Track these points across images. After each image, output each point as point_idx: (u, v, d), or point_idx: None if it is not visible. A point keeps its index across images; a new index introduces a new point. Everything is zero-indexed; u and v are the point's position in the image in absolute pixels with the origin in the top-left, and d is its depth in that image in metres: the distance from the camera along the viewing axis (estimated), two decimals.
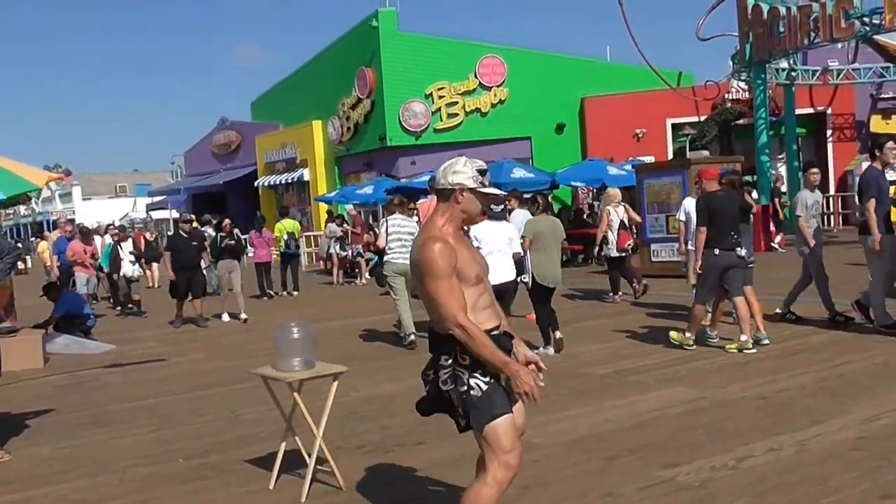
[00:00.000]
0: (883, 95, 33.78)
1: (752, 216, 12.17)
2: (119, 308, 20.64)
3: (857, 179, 11.98)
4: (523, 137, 34.25)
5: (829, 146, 34.02)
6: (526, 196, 14.87)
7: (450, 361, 4.37)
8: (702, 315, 11.07)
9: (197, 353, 13.65)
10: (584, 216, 27.29)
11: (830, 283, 12.27)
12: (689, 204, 13.54)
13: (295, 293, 21.99)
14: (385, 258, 13.07)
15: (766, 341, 10.86)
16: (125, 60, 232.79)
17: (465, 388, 4.34)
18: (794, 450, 6.53)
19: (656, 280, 17.98)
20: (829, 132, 34.10)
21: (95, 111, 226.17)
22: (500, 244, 10.56)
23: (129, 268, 20.34)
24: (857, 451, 6.37)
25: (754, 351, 10.45)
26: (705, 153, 22.59)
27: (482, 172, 4.45)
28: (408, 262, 14.27)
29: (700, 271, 10.78)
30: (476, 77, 34.27)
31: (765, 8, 25.62)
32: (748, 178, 24.45)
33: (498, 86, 34.37)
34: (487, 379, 4.34)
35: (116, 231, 22.86)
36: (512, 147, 32.90)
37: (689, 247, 13.39)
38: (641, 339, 11.94)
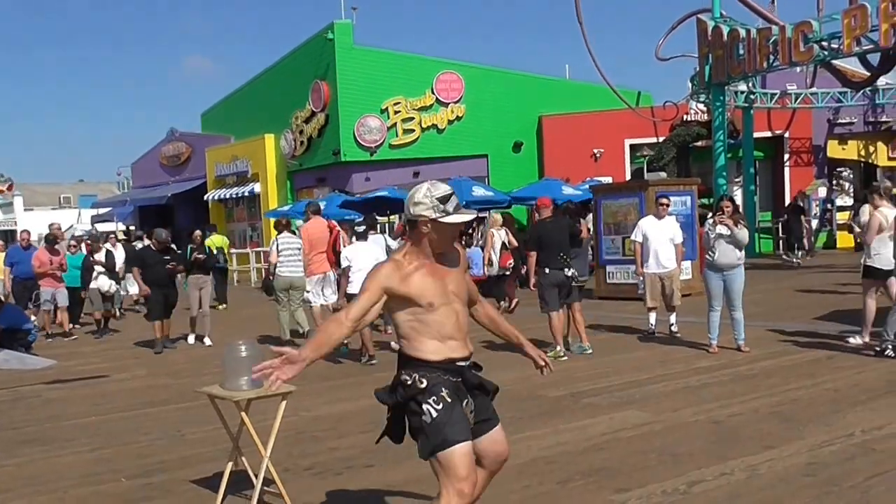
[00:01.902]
0: (840, 121, 34.33)
1: (581, 240, 13.36)
2: (91, 325, 19.11)
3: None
4: (480, 155, 34.32)
5: (787, 170, 34.47)
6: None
7: (409, 382, 4.45)
8: (559, 326, 12.56)
9: (140, 369, 13.56)
10: None
11: (780, 309, 12.47)
12: (646, 224, 13.83)
13: (223, 306, 22.51)
14: (276, 271, 15.15)
15: (590, 351, 12.71)
16: (70, 67, 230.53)
17: (420, 413, 4.41)
18: (746, 475, 6.63)
19: (612, 302, 18.14)
20: (786, 156, 34.57)
21: (38, 119, 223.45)
22: (367, 263, 11.49)
23: (104, 281, 18.47)
24: (808, 477, 6.49)
25: (565, 358, 12.27)
26: (663, 175, 22.85)
27: (444, 200, 4.43)
28: (294, 275, 14.97)
29: (534, 289, 12.68)
30: (433, 93, 34.32)
31: (725, 30, 26.05)
32: (704, 200, 24.73)
33: (455, 102, 34.45)
34: (440, 406, 4.39)
35: (88, 241, 21.11)
36: (468, 165, 32.99)
37: (646, 269, 13.68)
38: (596, 362, 12.04)
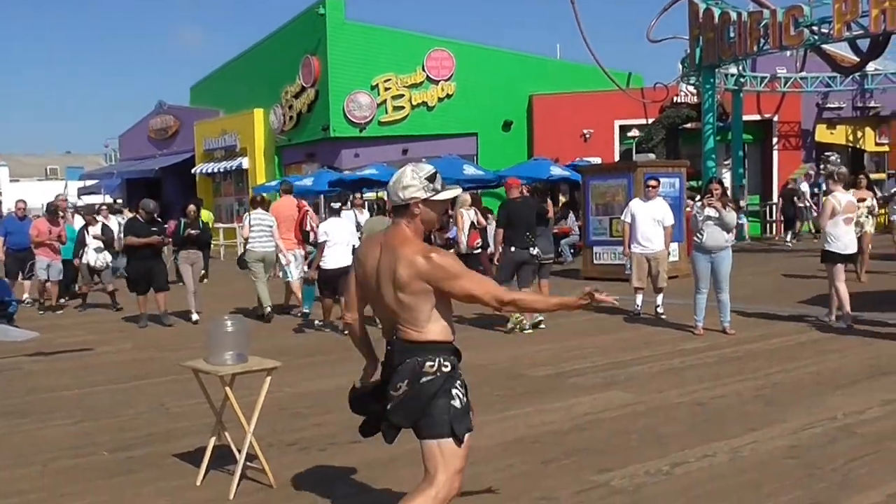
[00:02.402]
0: (829, 105, 34.40)
1: (548, 220, 13.87)
2: (69, 298, 18.91)
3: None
4: (469, 133, 34.28)
5: (775, 154, 34.54)
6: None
7: (434, 368, 4.39)
8: None
9: (124, 342, 13.50)
10: None
11: (765, 292, 12.52)
12: (635, 206, 13.85)
13: (204, 280, 21.88)
14: (247, 245, 15.54)
15: (543, 327, 13.26)
16: (57, 36, 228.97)
17: (448, 397, 4.39)
18: (729, 457, 6.65)
19: (598, 283, 18.13)
20: (775, 140, 34.62)
21: (25, 90, 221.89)
22: (343, 237, 13.14)
23: (92, 256, 17.66)
24: (790, 460, 6.52)
25: (529, 330, 12.96)
26: (652, 156, 22.84)
27: (431, 178, 4.44)
28: (265, 249, 15.17)
29: (498, 263, 12.99)
30: (423, 70, 34.23)
31: (716, 12, 25.97)
32: (692, 183, 24.71)
33: (446, 80, 34.36)
34: (464, 391, 4.45)
35: (83, 212, 20.26)
36: (457, 143, 32.94)
37: (633, 249, 13.72)
38: (582, 342, 12.05)
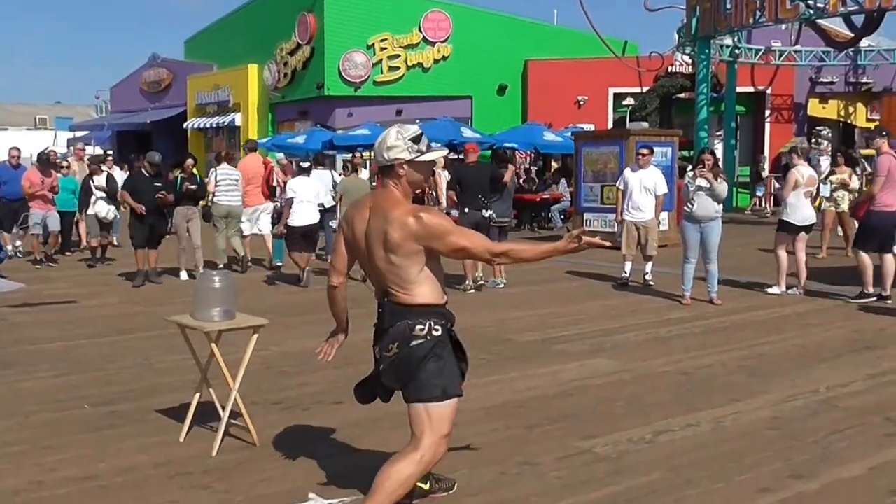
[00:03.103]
0: (821, 80, 34.35)
1: (504, 185, 13.98)
2: (73, 252, 18.56)
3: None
4: (464, 96, 34.15)
5: (767, 126, 34.53)
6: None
7: (424, 331, 4.39)
8: (470, 263, 13.18)
9: (111, 296, 13.41)
10: (521, 181, 27.32)
11: (753, 264, 12.55)
12: (628, 173, 13.85)
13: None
14: (213, 199, 15.75)
15: (501, 286, 13.83)
16: None
17: (438, 361, 4.42)
18: (711, 426, 6.64)
19: (588, 250, 18.11)
20: (767, 112, 34.57)
21: (15, 36, 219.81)
22: (309, 195, 13.96)
23: (102, 207, 17.06)
24: (772, 431, 6.51)
25: (472, 291, 13.34)
26: (645, 125, 22.75)
27: (416, 140, 4.42)
28: (231, 203, 15.47)
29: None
30: (420, 31, 34.04)
31: None
32: (684, 153, 24.67)
33: (442, 42, 34.17)
34: (460, 355, 4.55)
35: (88, 161, 19.13)
36: (452, 105, 32.81)
37: (625, 216, 13.71)
38: (569, 309, 12.03)
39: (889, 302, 12.07)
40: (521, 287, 13.92)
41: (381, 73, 33.94)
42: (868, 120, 35.00)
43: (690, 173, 12.35)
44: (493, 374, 8.30)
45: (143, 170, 14.72)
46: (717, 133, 32.60)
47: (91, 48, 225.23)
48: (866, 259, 12.15)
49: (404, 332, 4.39)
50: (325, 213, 15.22)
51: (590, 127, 29.53)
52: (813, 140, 30.71)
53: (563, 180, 25.53)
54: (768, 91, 34.33)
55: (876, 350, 9.32)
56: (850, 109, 35.35)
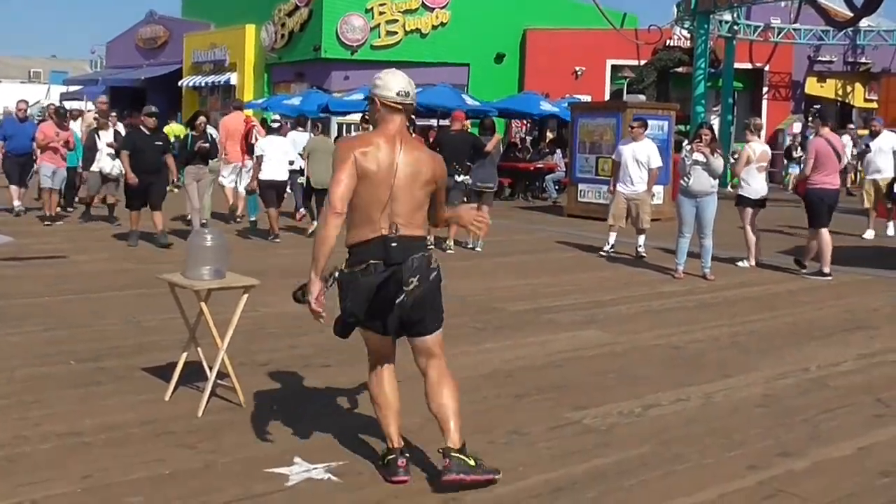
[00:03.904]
0: (820, 58, 34.24)
1: (486, 153, 14.49)
2: (76, 208, 17.65)
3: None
4: (461, 64, 33.93)
5: (764, 103, 34.46)
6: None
7: (436, 261, 4.78)
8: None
9: (100, 252, 13.27)
10: (517, 150, 27.24)
11: (740, 242, 12.73)
12: (623, 146, 13.83)
13: (176, 190, 20.13)
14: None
15: (478, 249, 14.30)
16: None
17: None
18: (702, 401, 6.62)
19: (581, 221, 18.08)
20: (765, 89, 34.49)
21: None
22: (278, 154, 14.52)
23: (107, 163, 16.26)
24: (762, 408, 6.49)
25: (451, 252, 13.74)
26: (642, 98, 22.69)
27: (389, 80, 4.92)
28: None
29: None
30: None
31: None
32: (681, 127, 24.55)
33: (441, 7, 33.93)
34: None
35: (96, 116, 18.09)
36: (449, 72, 32.56)
37: (618, 188, 13.67)
38: (560, 279, 11.98)
39: (830, 278, 12.27)
40: (513, 257, 13.87)
41: (379, 37, 33.71)
42: (866, 100, 34.97)
43: (687, 148, 12.30)
44: (482, 342, 8.26)
45: (141, 126, 14.10)
46: (714, 108, 32.53)
47: (88, 2, 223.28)
48: (826, 237, 12.39)
49: (424, 263, 4.68)
50: (294, 172, 15.70)
51: (587, 98, 29.38)
52: (810, 118, 30.65)
53: (558, 151, 25.41)
54: (766, 68, 34.24)
55: (868, 330, 9.30)
56: (848, 89, 35.28)
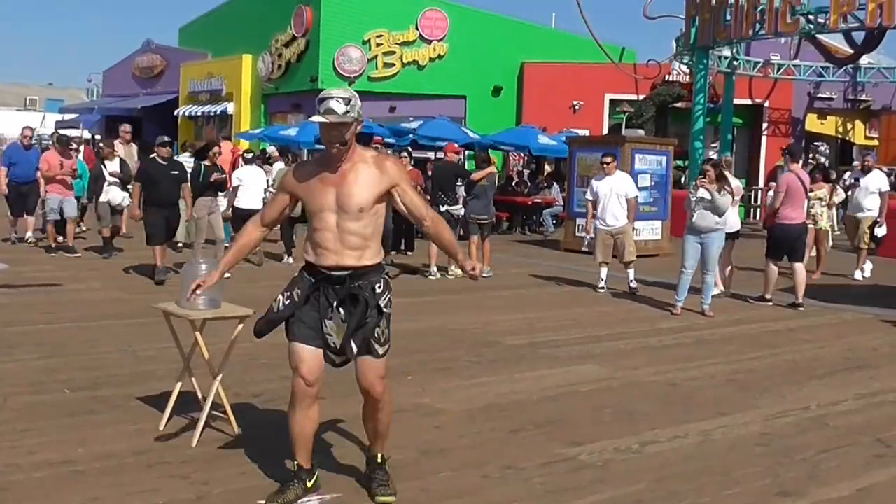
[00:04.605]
0: (820, 95, 34.40)
1: (473, 183, 15.11)
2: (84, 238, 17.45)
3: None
4: (458, 96, 34.05)
5: (764, 139, 34.55)
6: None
7: (385, 290, 4.96)
8: (433, 251, 14.49)
9: (95, 281, 13.29)
10: (514, 183, 27.31)
11: (745, 277, 12.62)
12: (597, 182, 13.95)
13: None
14: None
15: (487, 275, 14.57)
16: None
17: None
18: (699, 439, 6.62)
19: (578, 255, 18.10)
20: (764, 125, 34.62)
21: (9, 16, 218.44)
22: (254, 183, 15.38)
23: (116, 193, 15.91)
24: (761, 447, 6.49)
25: (433, 278, 14.69)
26: (640, 132, 22.76)
27: (320, 101, 4.95)
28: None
29: None
30: (417, 29, 33.93)
31: None
32: (679, 162, 24.64)
33: (438, 40, 34.09)
34: (288, 303, 5.01)
35: (101, 144, 17.64)
36: (446, 104, 32.67)
37: (598, 225, 13.72)
38: (557, 313, 12.00)
39: (801, 308, 12.67)
40: (509, 290, 13.89)
41: (376, 68, 33.85)
42: (867, 137, 35.08)
43: (693, 183, 12.42)
44: (477, 376, 8.27)
45: (156, 157, 13.54)
46: (713, 144, 32.60)
47: (85, 31, 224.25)
48: (774, 269, 13.17)
49: (370, 288, 4.96)
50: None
51: (584, 132, 29.50)
52: (811, 156, 30.80)
53: (555, 185, 25.50)
54: (766, 104, 34.38)
55: (868, 369, 9.29)
56: (849, 126, 35.41)
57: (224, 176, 14.57)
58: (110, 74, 52.43)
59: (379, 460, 5.26)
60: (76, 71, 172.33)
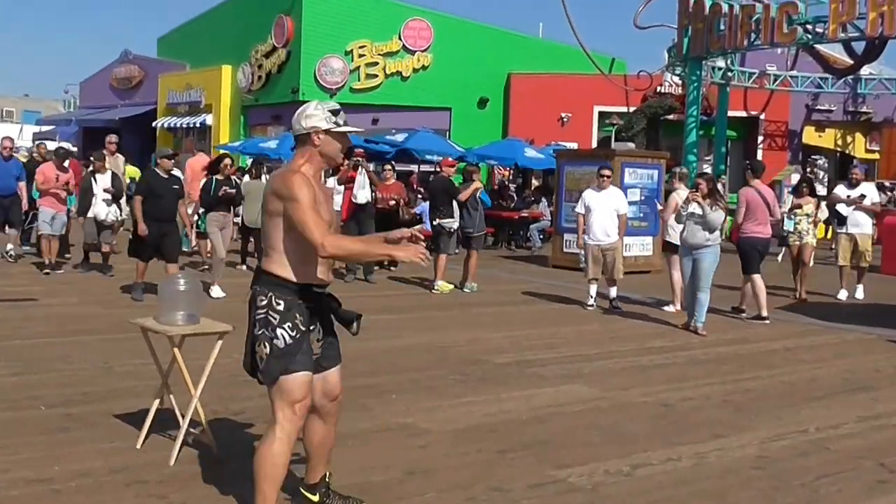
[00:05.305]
0: (818, 107, 34.50)
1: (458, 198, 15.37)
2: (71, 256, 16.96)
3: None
4: (443, 108, 34.17)
5: (760, 153, 34.53)
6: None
7: (264, 303, 4.64)
8: (443, 264, 15.07)
9: (71, 295, 13.26)
10: (501, 198, 27.23)
11: (735, 296, 12.70)
12: (588, 195, 13.90)
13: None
14: None
15: (469, 290, 15.20)
16: None
17: (272, 336, 4.60)
18: (693, 462, 6.61)
19: (566, 272, 18.12)
20: (760, 138, 34.67)
21: None
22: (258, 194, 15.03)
23: (102, 209, 15.32)
24: (757, 470, 6.47)
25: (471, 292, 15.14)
26: (631, 145, 22.86)
27: (335, 113, 4.74)
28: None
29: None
30: (400, 39, 34.08)
31: (707, 3, 25.86)
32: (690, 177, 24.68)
33: (422, 51, 34.22)
34: (294, 333, 4.62)
35: (93, 157, 16.53)
36: (430, 116, 32.77)
37: (588, 241, 13.71)
38: (546, 331, 11.99)
39: (768, 322, 13.00)
40: (495, 307, 13.89)
41: (359, 80, 33.95)
42: (867, 151, 35.01)
43: (684, 196, 12.45)
44: (464, 395, 8.25)
45: (157, 170, 13.30)
46: (707, 158, 32.65)
47: (62, 41, 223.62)
48: (759, 281, 13.26)
49: (252, 297, 4.73)
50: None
51: (573, 145, 29.58)
52: (809, 170, 30.84)
53: (543, 199, 25.53)
54: (762, 116, 34.46)
55: (869, 391, 9.25)
56: (849, 139, 35.39)
57: (234, 191, 14.20)
58: (87, 85, 52.44)
59: (328, 479, 5.27)
60: (53, 82, 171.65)
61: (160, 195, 12.90)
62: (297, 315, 4.63)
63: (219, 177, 14.22)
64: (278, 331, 4.59)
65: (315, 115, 4.74)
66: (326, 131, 4.71)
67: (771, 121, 34.64)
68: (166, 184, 13.06)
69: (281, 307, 4.59)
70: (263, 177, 17.35)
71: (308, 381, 4.68)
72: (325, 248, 4.48)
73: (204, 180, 14.67)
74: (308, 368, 4.67)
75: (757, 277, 13.19)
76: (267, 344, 4.61)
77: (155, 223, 12.83)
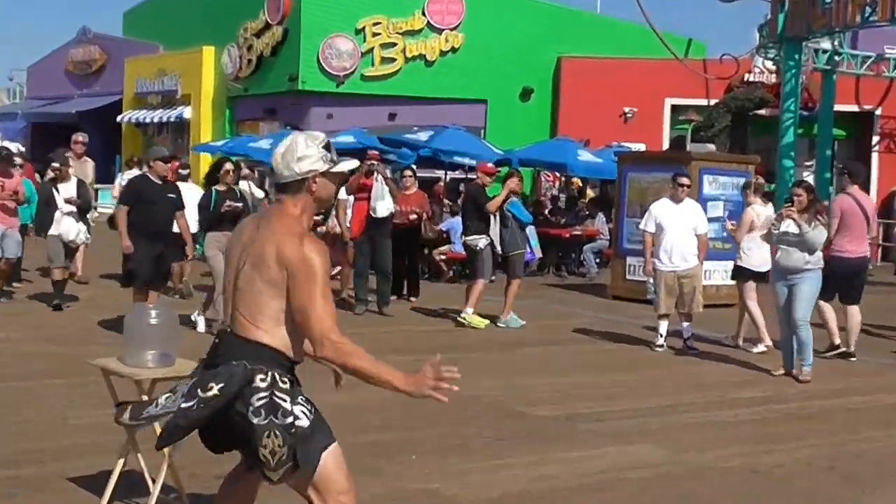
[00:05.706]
0: None
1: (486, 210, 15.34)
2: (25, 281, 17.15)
3: None
4: (477, 100, 34.11)
5: (874, 156, 33.90)
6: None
7: (266, 383, 4.49)
8: (478, 291, 15.15)
9: (15, 331, 13.35)
10: (546, 211, 27.13)
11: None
12: (660, 210, 13.76)
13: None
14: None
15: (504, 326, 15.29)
16: None
17: (291, 418, 4.49)
18: None
19: (628, 304, 18.09)
20: (875, 139, 34.25)
21: None
22: (190, 203, 14.45)
23: (69, 226, 14.92)
24: None
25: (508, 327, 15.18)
26: (711, 147, 22.67)
27: (328, 147, 4.67)
28: None
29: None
30: (424, 15, 33.97)
31: None
32: (767, 187, 24.63)
33: (451, 29, 34.15)
34: (311, 408, 4.60)
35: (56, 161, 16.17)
36: (461, 111, 32.70)
37: (659, 266, 13.57)
38: (602, 378, 12.02)
39: (853, 359, 13.09)
40: (540, 346, 13.94)
41: (372, 65, 33.91)
42: None
43: (776, 213, 12.44)
44: (501, 456, 8.30)
45: (148, 175, 13.31)
46: (808, 163, 32.30)
47: (5, 15, 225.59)
48: (827, 309, 13.39)
49: (242, 376, 4.50)
50: None
51: (639, 147, 29.52)
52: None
53: (600, 214, 25.46)
54: (878, 112, 34.06)
55: None
56: None
57: (239, 204, 13.76)
58: (37, 70, 52.75)
59: None
60: None
61: (152, 202, 12.82)
62: (299, 393, 4.62)
63: (219, 188, 13.81)
64: (296, 409, 4.52)
65: (309, 155, 4.62)
66: (325, 173, 4.68)
67: (890, 117, 34.25)
68: (159, 191, 12.98)
69: (287, 385, 4.54)
70: (244, 184, 16.98)
71: (341, 455, 4.68)
72: (324, 348, 4.47)
73: (201, 193, 14.61)
74: (334, 440, 4.67)
75: (855, 310, 13.25)
76: (280, 432, 4.46)
77: (144, 238, 12.71)
